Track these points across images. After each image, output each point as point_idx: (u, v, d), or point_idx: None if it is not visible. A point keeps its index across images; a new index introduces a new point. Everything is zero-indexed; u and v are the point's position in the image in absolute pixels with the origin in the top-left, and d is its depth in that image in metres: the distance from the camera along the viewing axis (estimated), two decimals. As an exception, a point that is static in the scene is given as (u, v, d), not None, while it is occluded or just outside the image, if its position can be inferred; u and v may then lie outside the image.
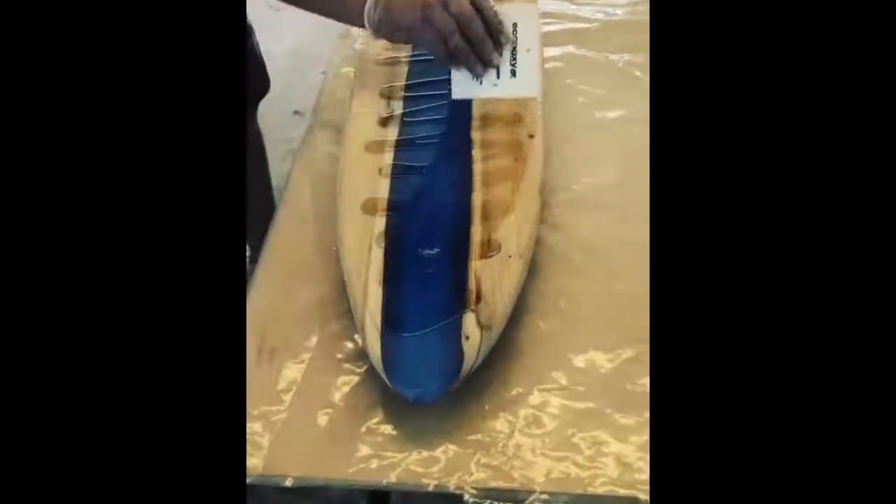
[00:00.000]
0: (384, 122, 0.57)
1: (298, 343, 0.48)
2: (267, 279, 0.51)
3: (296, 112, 1.72)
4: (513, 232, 0.47)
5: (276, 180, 1.52)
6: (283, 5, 0.68)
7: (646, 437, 0.41)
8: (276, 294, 0.50)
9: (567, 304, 0.49)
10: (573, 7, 0.76)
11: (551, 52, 0.70)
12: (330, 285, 0.50)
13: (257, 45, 0.90)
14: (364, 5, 0.54)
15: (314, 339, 0.48)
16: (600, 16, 0.74)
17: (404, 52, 0.63)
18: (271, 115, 1.71)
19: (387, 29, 0.54)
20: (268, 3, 2.07)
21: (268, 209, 1.03)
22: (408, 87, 0.60)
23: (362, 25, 0.55)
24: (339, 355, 0.47)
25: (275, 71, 1.97)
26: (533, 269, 0.49)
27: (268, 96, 1.89)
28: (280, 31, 1.96)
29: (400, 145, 0.55)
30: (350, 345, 0.47)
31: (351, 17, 0.56)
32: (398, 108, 0.58)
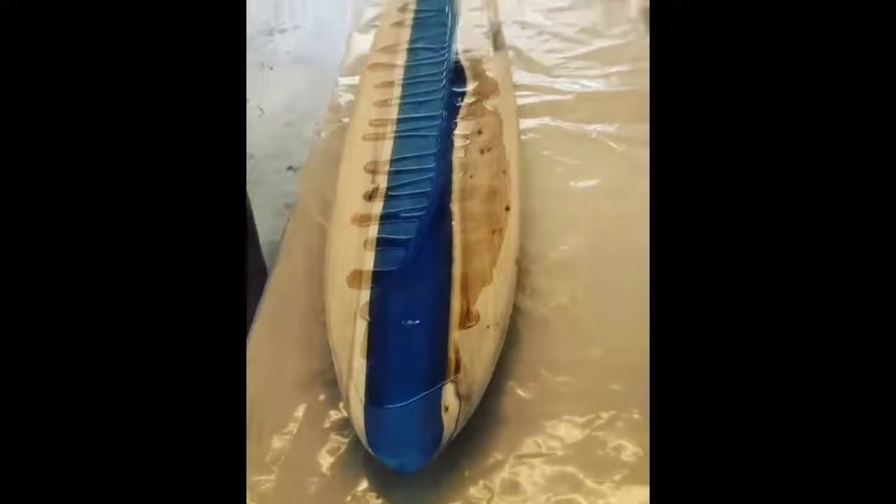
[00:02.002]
0: (369, 196, 0.60)
1: (287, 414, 0.50)
2: (257, 351, 0.54)
3: (290, 168, 1.77)
4: (490, 302, 0.50)
5: (270, 235, 1.55)
6: (277, 63, 0.70)
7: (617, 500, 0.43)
8: (266, 367, 0.52)
9: (545, 370, 0.51)
10: (549, 79, 0.80)
11: (529, 123, 0.74)
12: (318, 354, 0.53)
13: None
14: None
15: (302, 409, 0.50)
16: (575, 87, 0.79)
17: (390, 129, 0.67)
18: (266, 171, 1.76)
19: None
20: (260, 62, 2.16)
21: (256, 270, 1.05)
22: (392, 163, 0.63)
23: None
24: (326, 424, 0.49)
25: (268, 127, 2.03)
26: (512, 337, 0.52)
27: (262, 152, 1.94)
28: (273, 87, 2.03)
29: (384, 219, 0.58)
30: (336, 414, 0.49)
31: None
32: (383, 182, 0.61)
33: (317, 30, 2.27)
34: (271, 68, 2.14)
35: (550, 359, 0.52)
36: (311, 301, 0.57)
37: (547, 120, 0.75)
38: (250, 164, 1.67)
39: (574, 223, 0.63)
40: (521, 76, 0.80)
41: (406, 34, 0.81)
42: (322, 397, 0.50)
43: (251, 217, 1.13)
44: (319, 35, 2.25)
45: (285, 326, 0.56)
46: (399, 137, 0.66)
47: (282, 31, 2.32)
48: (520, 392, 0.50)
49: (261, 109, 1.93)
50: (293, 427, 0.49)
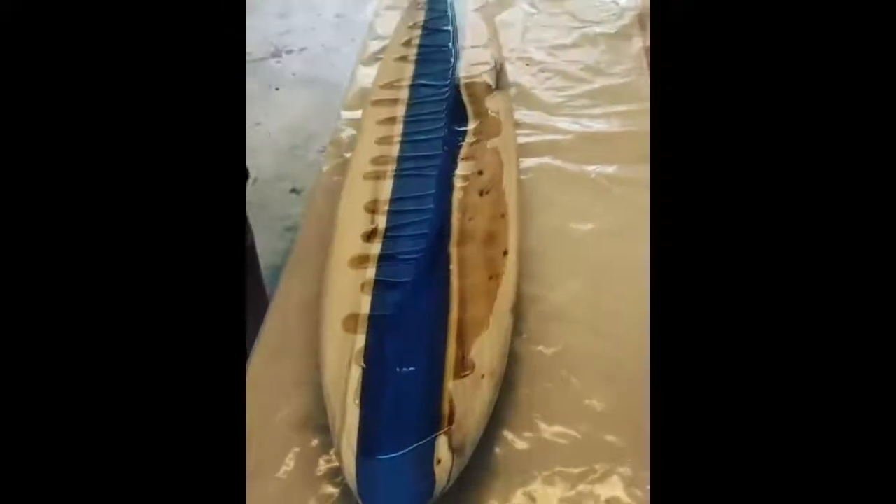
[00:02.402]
0: (368, 236, 0.60)
1: (278, 457, 0.49)
2: (251, 388, 0.54)
3: (293, 190, 1.78)
4: (485, 351, 0.50)
5: (272, 259, 1.56)
6: (283, 83, 0.69)
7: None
8: (260, 406, 0.52)
9: (540, 419, 0.51)
10: (550, 118, 0.81)
11: (529, 162, 0.74)
12: (313, 395, 0.53)
13: None
14: None
15: (294, 453, 0.50)
16: (576, 127, 0.79)
17: (390, 167, 0.67)
18: (269, 193, 1.77)
19: None
20: (267, 83, 2.18)
21: (256, 298, 1.05)
22: (392, 203, 0.64)
23: None
24: (318, 472, 0.48)
25: (273, 149, 2.04)
26: (507, 382, 0.52)
27: (266, 174, 1.94)
28: (278, 109, 2.05)
29: (382, 260, 0.58)
30: (328, 461, 0.49)
31: None
32: (382, 222, 0.62)
33: (323, 52, 2.29)
34: (277, 89, 2.16)
35: (546, 407, 0.52)
36: (307, 339, 0.57)
37: (547, 159, 0.76)
38: (255, 187, 1.68)
39: (572, 266, 0.63)
40: (522, 114, 0.80)
41: (409, 70, 0.82)
42: (315, 442, 0.50)
43: (253, 245, 1.13)
44: (326, 58, 2.27)
45: (281, 364, 0.56)
46: (399, 176, 0.66)
47: (289, 52, 2.35)
48: (513, 441, 0.50)
49: (269, 134, 1.94)
50: (284, 472, 0.49)
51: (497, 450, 0.49)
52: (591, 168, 0.74)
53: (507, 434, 0.50)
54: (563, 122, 0.80)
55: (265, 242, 1.58)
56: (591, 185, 0.72)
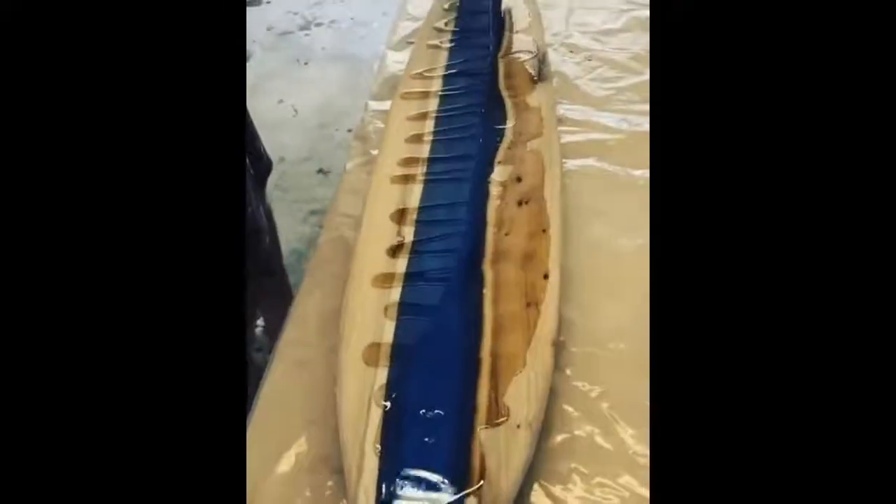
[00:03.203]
0: (393, 251, 0.55)
1: (289, 502, 0.45)
2: (259, 424, 0.49)
3: (320, 171, 1.73)
4: (522, 395, 0.44)
5: (295, 244, 1.52)
6: (312, 58, 0.64)
7: None
8: (269, 444, 0.47)
9: (579, 473, 0.45)
10: (596, 114, 0.73)
11: (570, 164, 0.67)
12: (329, 434, 0.48)
13: (252, 124, 0.88)
14: None
15: (306, 499, 0.45)
16: (624, 125, 0.72)
17: (420, 170, 0.61)
18: (295, 175, 1.72)
19: None
20: (295, 57, 2.12)
21: (277, 285, 1.01)
22: (420, 211, 0.58)
23: None
24: (331, 523, 0.44)
25: (301, 128, 1.99)
26: (543, 427, 0.46)
27: (291, 154, 1.89)
28: (306, 88, 1.98)
29: (408, 280, 0.52)
30: (342, 512, 0.44)
31: None
32: (409, 235, 0.56)
33: (353, 26, 2.22)
34: (306, 63, 2.10)
35: (587, 459, 0.46)
36: (323, 369, 0.52)
37: (591, 162, 0.68)
38: (282, 168, 1.63)
39: (620, 289, 0.56)
40: (564, 109, 0.73)
41: (443, 58, 0.75)
42: (329, 491, 0.45)
43: (274, 232, 1.08)
44: (356, 32, 2.20)
45: (293, 397, 0.51)
46: (430, 181, 0.60)
47: (318, 25, 2.27)
48: (548, 499, 0.44)
49: (295, 111, 1.89)
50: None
51: (531, 505, 0.44)
52: (640, 173, 0.66)
53: (540, 489, 0.44)
54: (610, 119, 0.73)
55: (288, 226, 1.55)
56: (641, 193, 0.65)
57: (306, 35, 2.22)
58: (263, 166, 0.93)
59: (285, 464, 0.47)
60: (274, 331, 1.14)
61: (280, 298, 1.09)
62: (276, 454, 0.47)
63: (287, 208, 1.58)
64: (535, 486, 0.44)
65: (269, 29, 2.21)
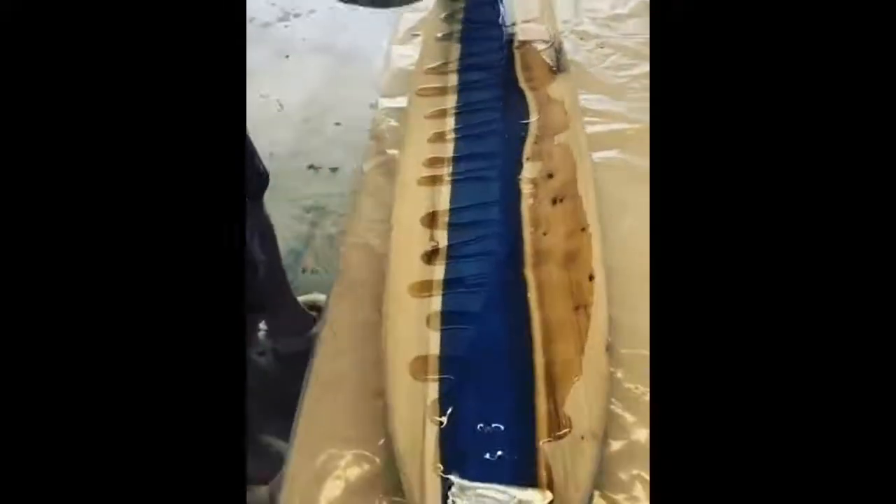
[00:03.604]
0: (428, 257, 0.53)
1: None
2: (302, 452, 0.47)
3: (310, 167, 1.69)
4: (582, 405, 0.43)
5: (292, 243, 1.48)
6: (292, 50, 0.60)
7: None
8: (312, 474, 0.45)
9: (640, 478, 0.44)
10: (614, 103, 0.72)
11: (593, 157, 0.65)
12: (377, 454, 0.46)
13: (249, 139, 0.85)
14: None
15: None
16: (644, 115, 0.70)
17: (446, 170, 0.59)
18: (286, 172, 1.68)
19: None
20: (277, 50, 2.07)
21: (279, 295, 0.98)
22: (452, 214, 0.56)
23: None
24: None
25: (287, 123, 1.95)
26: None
27: (280, 151, 1.85)
28: (291, 81, 1.93)
29: (448, 287, 0.50)
30: (403, 534, 0.42)
31: None
32: (443, 239, 0.54)
33: (333, 15, 2.17)
34: (287, 56, 2.04)
35: (648, 465, 0.45)
36: (361, 384, 0.50)
37: (614, 153, 0.67)
38: (272, 165, 1.59)
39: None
40: (582, 98, 0.71)
41: (455, 51, 0.72)
42: (385, 511, 0.43)
43: (272, 233, 1.04)
44: (337, 21, 2.14)
45: (332, 416, 0.49)
46: (457, 181, 0.58)
47: (297, 16, 2.22)
48: (613, 507, 0.43)
49: (280, 106, 1.84)
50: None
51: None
52: (667, 163, 0.65)
53: (602, 500, 0.43)
54: (628, 109, 0.71)
55: (284, 224, 1.51)
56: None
57: (286, 27, 2.17)
58: (260, 180, 0.89)
59: (334, 488, 0.45)
60: (275, 333, 1.12)
61: (280, 297, 1.07)
62: (321, 478, 0.45)
63: (281, 206, 1.54)
64: (597, 496, 0.43)
65: (249, 21, 2.15)
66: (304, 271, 1.42)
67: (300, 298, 1.17)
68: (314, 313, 1.10)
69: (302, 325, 1.04)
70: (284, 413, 0.55)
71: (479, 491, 0.40)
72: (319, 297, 1.15)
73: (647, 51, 0.78)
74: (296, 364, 0.97)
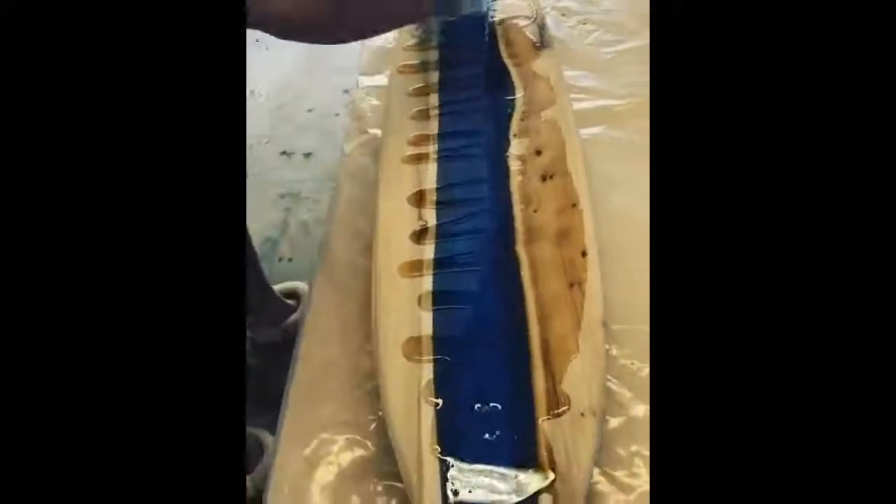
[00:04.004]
0: (417, 236, 0.51)
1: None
2: (291, 436, 0.45)
3: (283, 153, 1.66)
4: (580, 381, 0.42)
5: (268, 232, 1.45)
6: (262, 35, 0.58)
7: None
8: (305, 461, 0.44)
9: (640, 454, 0.44)
10: (598, 79, 0.71)
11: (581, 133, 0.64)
12: (369, 437, 0.45)
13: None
14: None
15: (356, 509, 0.42)
16: (631, 90, 0.69)
17: (432, 148, 0.58)
18: (259, 158, 1.64)
19: None
20: (254, 38, 2.01)
21: (255, 286, 0.95)
22: (440, 192, 0.54)
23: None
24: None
25: (260, 109, 1.90)
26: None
27: (252, 137, 1.81)
28: (264, 68, 1.89)
29: (439, 266, 0.49)
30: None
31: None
32: (431, 218, 0.52)
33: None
34: (257, 40, 1.99)
35: (648, 441, 0.44)
36: (352, 366, 0.48)
37: (602, 130, 0.66)
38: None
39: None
40: (567, 75, 0.70)
41: (436, 27, 0.70)
42: (380, 499, 0.42)
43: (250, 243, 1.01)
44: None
45: (323, 402, 0.47)
46: (444, 159, 0.57)
47: (266, 0, 2.16)
48: (609, 486, 0.42)
49: (251, 91, 1.80)
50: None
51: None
52: (654, 139, 0.64)
53: (603, 477, 0.42)
54: (615, 85, 0.70)
55: (257, 213, 1.48)
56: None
57: (255, 10, 2.11)
58: None
59: (326, 474, 0.44)
60: (251, 324, 1.09)
61: (257, 288, 1.04)
62: (313, 465, 0.44)
63: (254, 194, 1.50)
64: (597, 473, 0.42)
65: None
66: (279, 260, 1.40)
67: (276, 287, 1.14)
68: (292, 302, 1.07)
69: (279, 314, 1.01)
70: (263, 403, 0.53)
71: (479, 472, 0.39)
72: (297, 285, 1.12)
73: (630, 25, 0.77)
74: (273, 354, 0.94)
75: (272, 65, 1.84)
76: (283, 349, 0.52)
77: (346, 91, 0.67)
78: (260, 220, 1.48)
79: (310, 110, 1.76)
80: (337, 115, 1.68)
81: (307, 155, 1.65)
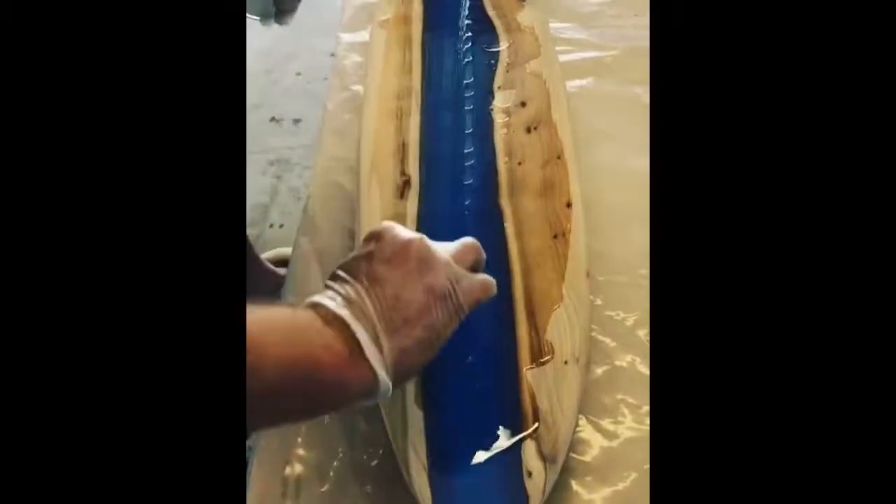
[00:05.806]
0: (401, 191, 0.50)
1: (324, 467, 0.42)
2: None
3: (273, 119, 1.63)
4: (564, 331, 0.42)
5: (259, 197, 1.44)
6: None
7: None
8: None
9: (625, 402, 0.44)
10: (586, 31, 0.69)
11: (567, 86, 0.63)
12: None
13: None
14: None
15: (340, 451, 0.42)
16: (619, 42, 0.68)
17: (414, 101, 0.56)
18: (249, 125, 1.62)
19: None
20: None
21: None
22: (423, 145, 0.53)
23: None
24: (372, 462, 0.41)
25: (248, 76, 1.87)
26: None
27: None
28: (250, 34, 1.85)
29: (422, 220, 0.48)
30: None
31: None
32: (415, 173, 0.51)
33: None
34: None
35: (632, 389, 0.44)
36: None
37: (590, 81, 0.65)
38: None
39: (638, 213, 0.53)
40: (553, 27, 0.68)
41: (418, -21, 0.69)
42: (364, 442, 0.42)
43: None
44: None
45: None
46: (427, 112, 0.56)
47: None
48: (596, 435, 0.42)
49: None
50: (331, 474, 0.41)
51: (577, 447, 0.42)
52: (641, 90, 0.63)
53: (589, 425, 0.43)
54: (602, 36, 0.69)
55: (248, 179, 1.46)
56: (644, 111, 0.62)
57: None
58: None
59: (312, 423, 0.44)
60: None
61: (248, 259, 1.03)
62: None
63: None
64: (583, 421, 0.43)
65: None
66: (270, 226, 1.39)
67: (264, 255, 1.14)
68: (282, 270, 1.07)
69: (273, 284, 1.01)
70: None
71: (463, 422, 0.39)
72: (287, 252, 1.12)
73: (617, -23, 0.75)
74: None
75: (257, 29, 1.81)
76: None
77: (332, 55, 0.65)
78: (250, 186, 1.47)
79: (298, 74, 1.73)
80: (325, 79, 1.65)
81: (296, 121, 1.63)
